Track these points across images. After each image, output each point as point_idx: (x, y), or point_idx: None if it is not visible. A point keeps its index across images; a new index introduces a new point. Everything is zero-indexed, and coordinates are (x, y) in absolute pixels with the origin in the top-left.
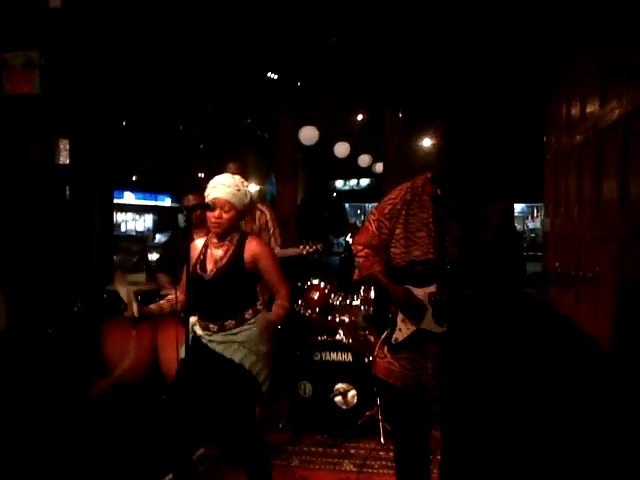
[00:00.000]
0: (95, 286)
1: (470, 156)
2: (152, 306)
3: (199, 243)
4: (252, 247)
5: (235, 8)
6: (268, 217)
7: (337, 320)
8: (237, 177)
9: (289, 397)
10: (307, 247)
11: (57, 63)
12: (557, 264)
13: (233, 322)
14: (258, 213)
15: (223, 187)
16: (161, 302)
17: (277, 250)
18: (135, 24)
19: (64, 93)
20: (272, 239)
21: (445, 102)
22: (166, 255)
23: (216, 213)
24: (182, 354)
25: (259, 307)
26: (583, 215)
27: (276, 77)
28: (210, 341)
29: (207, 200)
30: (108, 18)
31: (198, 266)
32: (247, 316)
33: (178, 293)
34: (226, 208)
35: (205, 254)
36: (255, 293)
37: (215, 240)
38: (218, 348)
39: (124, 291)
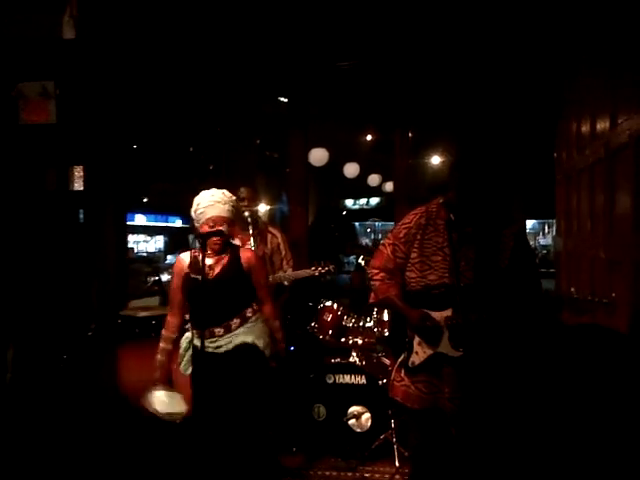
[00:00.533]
0: (109, 310)
1: (481, 179)
2: (160, 374)
3: (184, 257)
4: (247, 256)
5: (247, 32)
6: (280, 240)
7: (350, 342)
8: (227, 192)
9: (303, 420)
10: (319, 268)
11: (71, 92)
12: (572, 289)
13: (238, 321)
14: (270, 236)
15: (221, 205)
16: (159, 359)
17: (289, 272)
18: (146, 50)
19: (78, 121)
20: (284, 261)
21: (455, 122)
22: None
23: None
24: (185, 371)
25: (255, 307)
26: (596, 235)
27: (286, 100)
28: (217, 347)
29: (203, 219)
30: (119, 46)
31: (192, 273)
32: (249, 314)
33: (168, 318)
34: (225, 225)
35: (198, 265)
36: (253, 292)
37: (211, 254)
38: (228, 347)
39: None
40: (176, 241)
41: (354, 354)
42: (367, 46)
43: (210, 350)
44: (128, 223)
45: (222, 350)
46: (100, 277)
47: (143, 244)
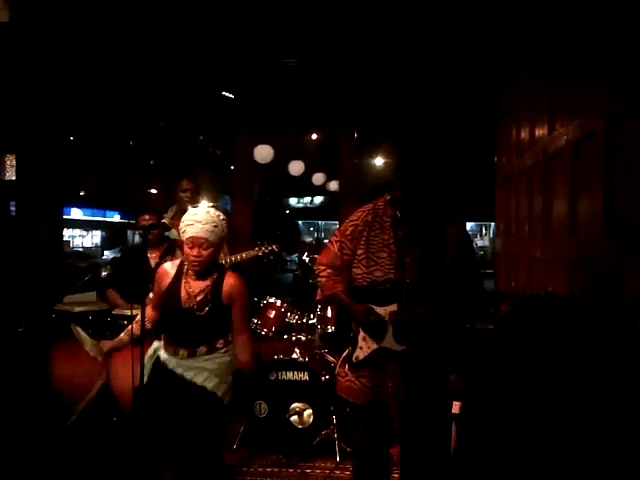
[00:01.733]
0: (42, 305)
1: (425, 177)
2: (114, 342)
3: (170, 268)
4: (230, 283)
5: (193, 26)
6: None
7: (293, 339)
8: (212, 211)
9: (244, 417)
10: (262, 248)
11: (4, 77)
12: (513, 284)
13: (205, 349)
14: None
15: (200, 225)
16: (121, 336)
17: (232, 257)
18: (85, 37)
19: (11, 108)
20: (222, 254)
21: (398, 123)
22: (116, 272)
23: (194, 252)
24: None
25: (230, 338)
26: (534, 236)
27: (232, 96)
28: (178, 366)
29: (184, 237)
30: (56, 30)
31: (170, 295)
32: (219, 345)
33: (147, 309)
34: (204, 246)
35: (179, 283)
36: (229, 324)
37: (192, 274)
38: (187, 374)
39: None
40: (114, 236)
41: (297, 351)
42: (314, 44)
43: (170, 366)
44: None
45: (182, 372)
46: (33, 271)
47: (79, 239)
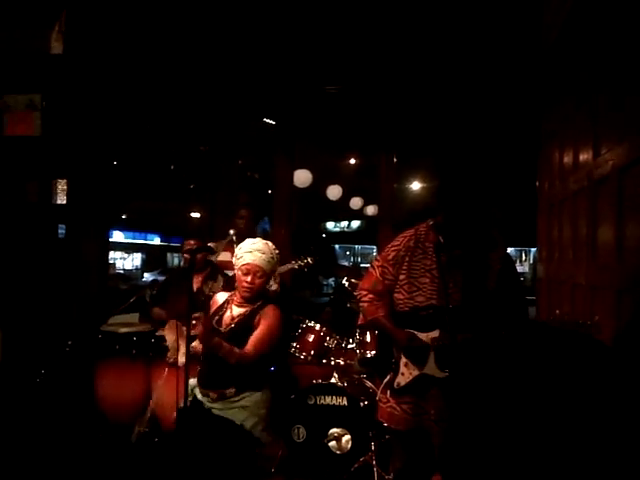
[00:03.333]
0: (89, 326)
1: (466, 201)
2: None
3: (220, 298)
4: (265, 311)
5: (236, 54)
6: None
7: (332, 363)
8: (270, 244)
9: (282, 441)
10: (298, 261)
11: (57, 106)
12: (557, 311)
13: (233, 390)
14: None
15: (259, 254)
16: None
17: (272, 283)
18: (131, 67)
19: (63, 135)
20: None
21: (438, 147)
22: (161, 293)
23: (249, 278)
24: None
25: (263, 382)
26: (579, 262)
27: (273, 122)
28: (211, 407)
29: (239, 264)
30: (106, 62)
31: (215, 320)
32: (249, 385)
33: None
34: (259, 274)
35: (224, 310)
36: (264, 363)
37: (239, 300)
38: (220, 413)
39: (172, 338)
40: (154, 259)
41: (336, 375)
42: (354, 71)
43: (206, 406)
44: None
45: (216, 412)
46: (81, 292)
47: (120, 261)
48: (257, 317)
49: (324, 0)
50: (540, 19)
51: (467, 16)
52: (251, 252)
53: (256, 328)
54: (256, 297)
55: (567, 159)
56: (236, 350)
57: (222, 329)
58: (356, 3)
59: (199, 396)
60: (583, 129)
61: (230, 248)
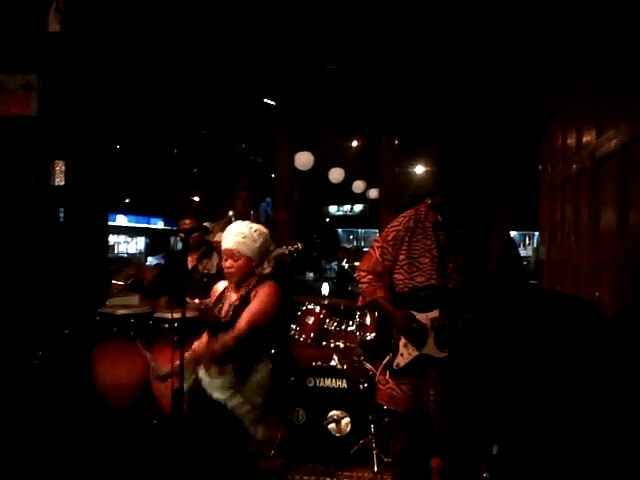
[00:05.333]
0: (87, 308)
1: (468, 181)
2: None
3: (220, 286)
4: (260, 289)
5: (234, 34)
6: None
7: (332, 346)
8: (246, 223)
9: (282, 424)
10: (289, 247)
11: (55, 86)
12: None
13: (232, 366)
14: None
15: (231, 237)
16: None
17: (266, 266)
18: (131, 48)
19: (61, 115)
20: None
21: (440, 129)
22: (161, 277)
23: (227, 263)
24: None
25: (263, 358)
26: (580, 244)
27: (273, 103)
28: (209, 385)
29: (222, 249)
30: (105, 42)
31: (217, 310)
32: (249, 362)
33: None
34: (235, 257)
35: (224, 299)
36: (262, 340)
37: (234, 286)
38: (215, 393)
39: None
40: (157, 243)
41: (335, 358)
42: (355, 50)
43: (203, 385)
44: (109, 223)
45: (211, 390)
46: (79, 274)
47: (124, 245)
48: (251, 296)
49: None
50: None
51: None
52: (226, 236)
53: None
54: (246, 279)
55: (570, 140)
56: (226, 336)
57: (223, 317)
58: None
59: (200, 374)
60: (586, 108)
61: None
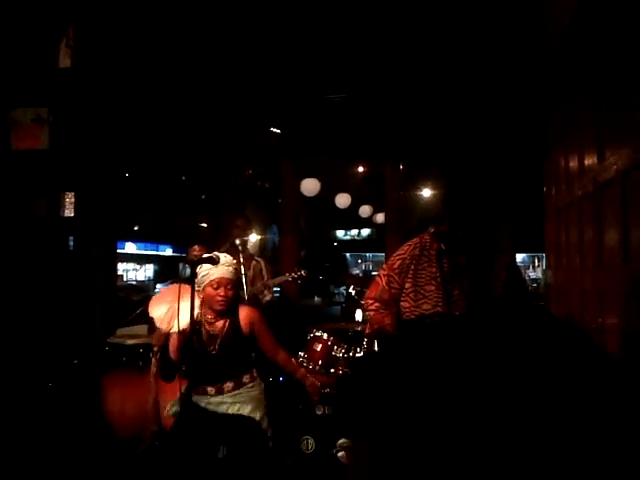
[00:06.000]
0: (96, 338)
1: (469, 210)
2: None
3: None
4: (245, 313)
5: (241, 65)
6: (262, 266)
7: (340, 373)
8: (228, 256)
9: (291, 452)
10: (292, 274)
11: (65, 119)
12: (562, 317)
13: (231, 384)
14: (254, 262)
15: (224, 267)
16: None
17: (267, 293)
18: (140, 81)
19: (71, 148)
20: (266, 289)
21: (445, 155)
22: None
23: (221, 292)
24: (172, 410)
25: (255, 374)
26: (585, 268)
27: (278, 131)
28: (208, 404)
29: (205, 281)
30: (114, 76)
31: (195, 338)
32: (245, 380)
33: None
34: (229, 286)
35: (198, 332)
36: (251, 360)
37: (211, 316)
38: (219, 409)
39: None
40: (166, 269)
41: None
42: (358, 80)
43: (203, 404)
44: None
45: (213, 407)
46: (88, 304)
47: (133, 272)
48: (243, 325)
49: (329, 9)
50: (543, 25)
51: (471, 24)
52: (221, 266)
53: (247, 336)
54: (230, 309)
55: (572, 164)
56: (292, 363)
57: (210, 350)
58: (360, 12)
59: (194, 398)
60: (587, 133)
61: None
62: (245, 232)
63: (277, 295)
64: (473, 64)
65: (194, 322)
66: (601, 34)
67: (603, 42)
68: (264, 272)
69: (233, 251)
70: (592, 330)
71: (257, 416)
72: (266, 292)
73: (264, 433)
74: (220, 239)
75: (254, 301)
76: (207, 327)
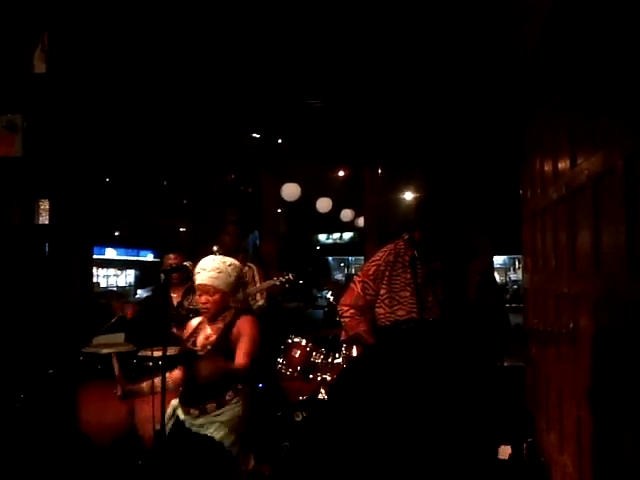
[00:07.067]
0: (71, 347)
1: (445, 217)
2: (134, 386)
3: (194, 322)
4: (242, 323)
5: (219, 71)
6: (255, 272)
7: (319, 379)
8: (219, 258)
9: (270, 459)
10: (280, 278)
11: (39, 126)
12: (535, 321)
13: (214, 405)
14: (246, 268)
15: (205, 272)
16: (142, 384)
17: (259, 298)
18: (116, 85)
19: (45, 155)
20: (258, 294)
21: (422, 160)
22: (144, 311)
23: (202, 299)
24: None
25: (239, 387)
26: (560, 272)
27: (258, 136)
28: (192, 425)
29: (195, 285)
30: (90, 80)
31: (190, 343)
32: (228, 397)
33: (177, 371)
34: (211, 292)
35: (198, 332)
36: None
37: (206, 319)
38: (201, 430)
39: (116, 366)
40: (147, 275)
41: (322, 391)
42: (337, 85)
43: (187, 425)
44: (98, 257)
45: (196, 429)
46: (64, 313)
47: (113, 278)
48: (234, 331)
49: (308, 15)
50: (520, 32)
51: (448, 29)
52: (199, 272)
53: (235, 342)
54: (221, 312)
55: (547, 168)
56: (237, 366)
57: (198, 350)
58: (339, 17)
59: (181, 416)
60: (561, 139)
61: None
62: (237, 239)
63: None
64: (451, 69)
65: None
66: (572, 37)
67: (575, 46)
68: (256, 278)
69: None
70: (564, 335)
71: (230, 440)
72: (258, 297)
73: (230, 458)
74: (202, 244)
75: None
76: (205, 330)
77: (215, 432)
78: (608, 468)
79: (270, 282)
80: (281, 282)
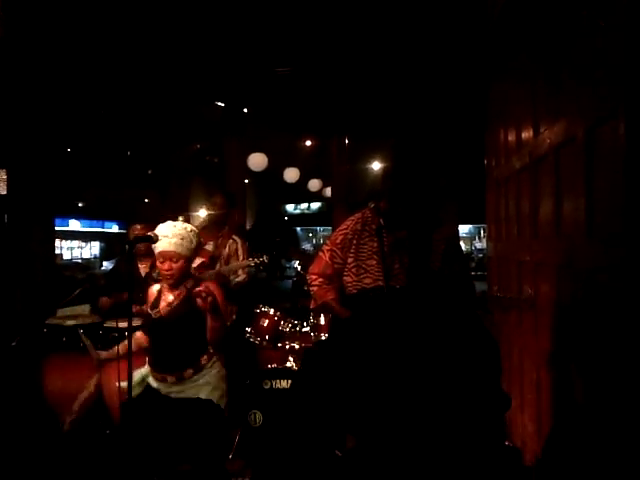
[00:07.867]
0: (35, 319)
1: (411, 186)
2: (109, 353)
3: (154, 289)
4: (203, 288)
5: (183, 37)
6: (238, 246)
7: (287, 347)
8: (180, 225)
9: (239, 426)
10: (253, 260)
11: None
12: (495, 288)
13: (191, 371)
14: (230, 241)
15: (167, 239)
16: (115, 349)
17: (241, 274)
18: (79, 50)
19: (2, 124)
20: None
21: (388, 129)
22: (109, 283)
23: (165, 265)
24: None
25: (212, 350)
26: (523, 239)
27: (223, 105)
28: (170, 392)
29: (156, 251)
30: (49, 45)
31: (151, 308)
32: (203, 362)
33: (140, 333)
34: (174, 259)
35: (159, 298)
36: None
37: (167, 286)
38: (180, 394)
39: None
40: (112, 247)
41: (291, 359)
42: (304, 53)
43: (163, 393)
44: (62, 229)
45: (173, 396)
46: (26, 284)
47: (78, 250)
48: (197, 298)
49: None
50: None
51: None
52: (162, 239)
53: (198, 309)
54: (183, 279)
55: (511, 137)
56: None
57: (162, 316)
58: None
59: (154, 384)
60: (524, 108)
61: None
62: (221, 209)
63: None
64: (417, 38)
65: (158, 292)
66: (533, 11)
67: (538, 16)
68: (240, 252)
69: (213, 229)
70: (524, 301)
71: (215, 396)
72: (240, 272)
73: (221, 412)
74: (168, 214)
75: (222, 280)
76: (165, 297)
77: (201, 392)
78: (562, 421)
79: (245, 262)
80: (255, 264)
